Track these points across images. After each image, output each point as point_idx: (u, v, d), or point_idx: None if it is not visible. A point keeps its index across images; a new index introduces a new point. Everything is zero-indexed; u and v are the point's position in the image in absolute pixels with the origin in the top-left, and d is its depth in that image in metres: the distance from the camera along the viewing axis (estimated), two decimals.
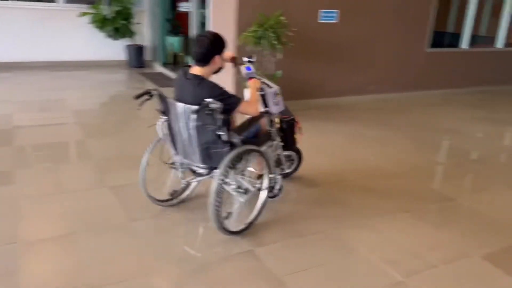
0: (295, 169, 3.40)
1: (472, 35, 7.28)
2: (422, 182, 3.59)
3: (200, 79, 2.44)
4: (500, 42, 7.55)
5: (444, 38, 8.39)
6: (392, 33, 6.16)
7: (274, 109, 2.84)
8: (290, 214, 2.91)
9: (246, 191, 2.54)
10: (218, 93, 2.40)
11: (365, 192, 3.31)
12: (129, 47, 7.67)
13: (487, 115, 5.97)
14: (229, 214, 2.52)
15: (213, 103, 2.28)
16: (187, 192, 2.98)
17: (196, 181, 2.83)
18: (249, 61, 2.84)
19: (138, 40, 7.73)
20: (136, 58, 7.75)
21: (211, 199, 2.35)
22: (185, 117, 2.42)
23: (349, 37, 5.78)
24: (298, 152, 3.34)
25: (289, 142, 3.12)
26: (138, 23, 7.57)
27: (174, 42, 8.21)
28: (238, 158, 2.48)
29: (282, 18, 4.71)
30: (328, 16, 5.53)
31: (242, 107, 2.48)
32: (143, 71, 7.63)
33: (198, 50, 2.43)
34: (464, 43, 7.19)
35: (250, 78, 2.70)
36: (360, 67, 6.07)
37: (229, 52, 2.74)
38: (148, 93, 2.52)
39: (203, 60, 2.45)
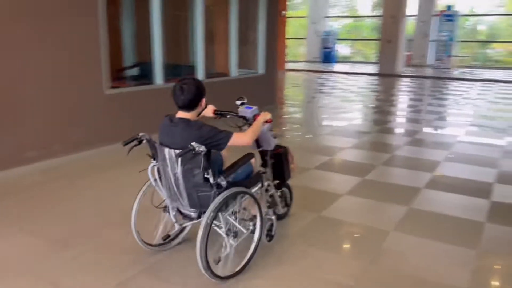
0: (288, 207, 3.45)
1: (174, 65, 6.28)
2: None
3: (187, 122, 2.54)
4: (200, 73, 6.76)
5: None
6: (52, 73, 4.55)
7: (273, 143, 3.03)
8: None
9: (236, 234, 2.63)
10: (207, 131, 2.49)
11: None
12: None
13: None
14: (219, 259, 2.56)
15: (198, 146, 2.36)
16: (182, 235, 3.01)
17: (188, 224, 2.82)
18: (242, 103, 3.09)
19: None
20: None
21: (198, 244, 2.39)
22: (171, 161, 2.50)
23: None
24: (289, 189, 3.40)
25: (286, 174, 3.22)
26: None
27: None
28: (227, 201, 2.55)
29: None
30: None
31: (233, 139, 2.54)
32: None
33: (185, 97, 2.52)
34: (158, 78, 6.02)
35: (256, 115, 2.96)
36: (3, 126, 4.07)
37: (210, 106, 3.08)
38: (136, 139, 2.61)
39: (190, 106, 2.56)
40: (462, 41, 20.94)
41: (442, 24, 19.27)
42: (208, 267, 2.44)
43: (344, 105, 9.77)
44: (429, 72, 17.95)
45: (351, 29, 24.37)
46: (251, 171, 2.89)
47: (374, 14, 23.27)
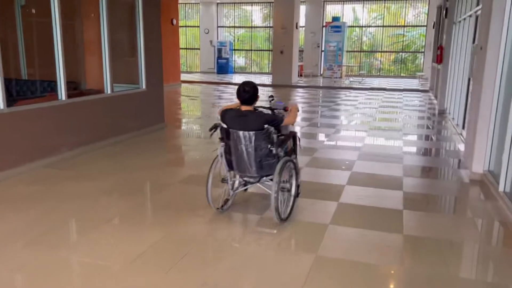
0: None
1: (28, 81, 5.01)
2: None
3: (253, 112, 3.63)
4: (60, 91, 5.55)
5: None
6: None
7: (289, 128, 4.02)
8: None
9: (288, 190, 3.74)
10: (269, 116, 3.63)
11: None
12: None
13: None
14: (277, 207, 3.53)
15: (269, 127, 3.46)
16: (231, 201, 3.95)
17: (244, 188, 3.96)
18: (272, 100, 4.21)
19: None
20: None
21: (273, 196, 3.41)
22: (245, 140, 3.49)
23: None
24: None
25: (296, 151, 4.10)
26: None
27: None
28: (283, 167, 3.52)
29: None
30: None
31: (284, 121, 3.69)
32: None
33: (248, 95, 3.59)
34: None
35: (286, 106, 4.05)
36: None
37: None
38: (216, 126, 3.64)
39: (251, 101, 3.63)
40: (349, 51, 21.99)
41: (331, 35, 20.00)
42: (277, 212, 3.50)
43: None
44: (321, 81, 18.39)
45: (246, 39, 24.26)
46: (287, 147, 3.84)
47: (266, 24, 23.43)
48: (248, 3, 22.95)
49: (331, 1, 21.44)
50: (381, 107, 11.21)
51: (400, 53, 22.02)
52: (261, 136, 3.45)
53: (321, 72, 21.18)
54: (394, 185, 4.76)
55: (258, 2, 22.55)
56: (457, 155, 6.28)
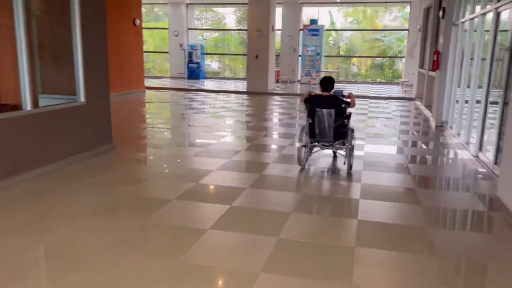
0: None
1: None
2: None
3: (332, 96, 5.39)
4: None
5: None
6: None
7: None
8: None
9: (351, 150, 5.28)
10: (342, 100, 5.30)
11: None
12: None
13: None
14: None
15: (345, 106, 5.26)
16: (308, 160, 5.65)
17: (322, 148, 5.60)
18: (334, 91, 5.54)
19: None
20: None
21: (348, 152, 5.21)
22: (328, 115, 5.12)
23: None
24: None
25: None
26: None
27: None
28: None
29: None
30: None
31: (351, 103, 5.33)
32: None
33: (329, 85, 5.40)
34: None
35: (343, 94, 5.71)
36: None
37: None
38: (307, 106, 5.37)
39: (330, 89, 5.41)
40: (326, 56, 20.84)
41: (308, 38, 18.77)
42: (350, 165, 5.27)
43: (205, 135, 7.70)
44: (299, 88, 17.10)
45: (218, 42, 22.78)
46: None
47: (240, 27, 22.02)
48: (220, 4, 21.49)
49: (308, 3, 20.23)
50: (370, 118, 9.95)
51: (378, 59, 21.01)
52: (338, 112, 5.16)
53: (299, 78, 19.93)
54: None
55: (231, 4, 21.11)
56: (484, 188, 5.00)
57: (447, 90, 8.67)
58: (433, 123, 9.13)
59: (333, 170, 5.63)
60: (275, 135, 8.13)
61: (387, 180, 5.21)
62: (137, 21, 14.12)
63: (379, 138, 7.90)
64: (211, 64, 23.37)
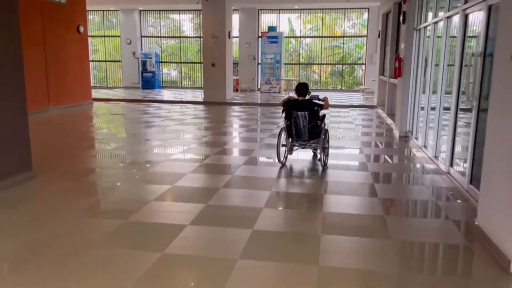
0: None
1: None
2: None
3: (308, 100, 5.94)
4: None
5: None
6: None
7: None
8: None
9: (325, 150, 5.92)
10: (315, 103, 5.89)
11: None
12: None
13: None
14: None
15: (318, 108, 5.86)
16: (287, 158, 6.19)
17: (299, 148, 6.23)
18: (310, 94, 6.14)
19: None
20: None
21: (321, 149, 5.84)
22: (302, 117, 5.71)
23: None
24: None
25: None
26: None
27: None
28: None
29: None
30: None
31: (324, 106, 5.96)
32: None
33: (303, 91, 5.96)
34: None
35: (321, 98, 6.22)
36: None
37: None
38: (283, 110, 5.97)
39: (306, 94, 5.98)
40: (286, 64, 20.37)
41: (267, 46, 18.21)
42: (322, 160, 5.88)
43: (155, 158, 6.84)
44: (259, 97, 16.47)
45: (175, 50, 21.83)
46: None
47: (197, 34, 21.20)
48: (174, 11, 20.60)
49: (266, 9, 19.71)
50: (331, 128, 9.40)
51: (338, 66, 20.75)
52: (311, 114, 5.82)
53: (259, 87, 19.32)
54: None
55: (186, 10, 20.28)
56: (459, 214, 4.45)
57: (410, 98, 8.23)
58: (396, 133, 8.66)
59: (311, 167, 6.18)
60: (231, 152, 7.36)
61: (351, 205, 4.56)
62: (81, 29, 13.03)
63: (341, 149, 7.30)
64: (170, 73, 22.39)
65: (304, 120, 5.73)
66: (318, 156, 5.96)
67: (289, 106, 5.89)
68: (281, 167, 5.92)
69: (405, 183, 5.64)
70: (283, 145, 5.98)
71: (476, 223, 3.78)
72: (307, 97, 6.03)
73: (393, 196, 4.94)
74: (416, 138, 7.69)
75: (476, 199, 4.22)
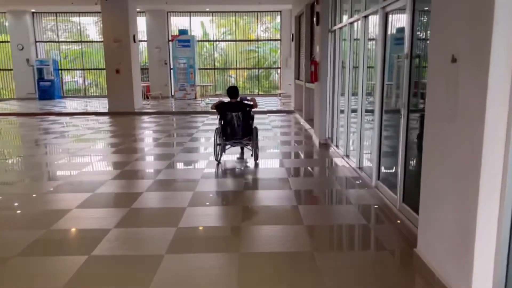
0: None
1: None
2: None
3: (239, 101, 6.51)
4: None
5: None
6: None
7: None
8: None
9: (257, 144, 6.63)
10: (247, 104, 6.48)
11: None
12: None
13: None
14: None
15: (249, 108, 6.45)
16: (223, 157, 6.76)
17: (233, 146, 6.72)
18: (240, 98, 6.69)
19: None
20: None
21: (254, 147, 6.50)
22: (236, 117, 6.29)
23: None
24: None
25: None
26: None
27: None
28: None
29: None
30: None
31: (254, 106, 6.54)
32: None
33: (234, 93, 6.52)
34: None
35: (249, 99, 6.77)
36: None
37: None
38: (218, 112, 6.50)
39: (237, 96, 6.55)
40: (201, 69, 19.48)
41: (179, 50, 17.16)
42: (256, 155, 6.54)
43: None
44: (173, 105, 15.37)
45: (79, 56, 19.79)
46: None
47: (102, 39, 19.43)
48: (74, 13, 18.66)
49: (175, 11, 18.63)
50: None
51: (254, 70, 20.32)
52: (244, 114, 6.37)
53: (173, 93, 18.18)
54: None
55: (86, 12, 18.45)
56: (394, 240, 3.91)
57: (328, 103, 7.80)
58: (316, 141, 8.20)
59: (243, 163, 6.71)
60: (133, 176, 6.28)
61: (274, 242, 3.82)
62: None
63: (262, 162, 6.60)
64: (76, 80, 20.27)
65: (238, 120, 6.34)
66: (250, 151, 6.65)
67: (223, 108, 6.43)
68: (217, 165, 6.48)
69: (329, 203, 5.06)
70: (218, 144, 6.47)
71: (415, 251, 3.23)
72: (240, 98, 6.66)
73: (320, 222, 4.28)
74: (337, 146, 7.26)
75: (412, 220, 3.70)
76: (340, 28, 6.98)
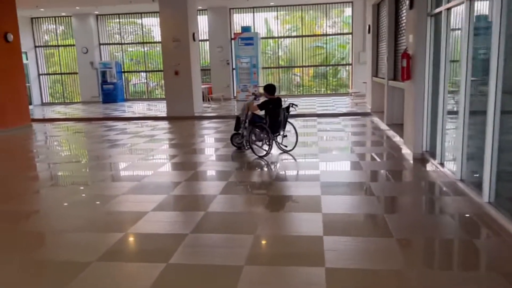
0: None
1: None
2: None
3: (278, 98, 6.89)
4: None
5: None
6: None
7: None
8: None
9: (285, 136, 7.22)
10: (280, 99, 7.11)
11: None
12: None
13: None
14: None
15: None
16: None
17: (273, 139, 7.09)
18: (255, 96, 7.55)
19: None
20: None
21: (274, 143, 6.94)
22: (283, 111, 6.80)
23: None
24: None
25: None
26: None
27: None
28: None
29: None
30: None
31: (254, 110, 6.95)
32: None
33: (273, 90, 6.82)
34: None
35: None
36: None
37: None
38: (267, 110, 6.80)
39: (275, 92, 6.85)
40: (265, 68, 18.27)
41: (241, 48, 16.07)
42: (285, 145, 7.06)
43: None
44: (236, 107, 14.27)
45: (142, 58, 19.43)
46: None
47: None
48: (135, 14, 18.25)
49: (238, 8, 17.56)
50: (322, 151, 7.25)
51: (321, 67, 18.69)
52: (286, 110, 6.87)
53: (235, 95, 17.15)
54: None
55: (148, 12, 17.95)
56: None
57: (426, 107, 6.15)
58: (408, 155, 6.54)
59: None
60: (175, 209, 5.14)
61: None
62: (10, 36, 10.65)
63: (335, 191, 5.14)
64: (141, 83, 19.96)
65: (285, 114, 6.76)
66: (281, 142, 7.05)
67: (271, 105, 6.65)
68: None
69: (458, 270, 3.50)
70: (254, 142, 6.79)
71: None
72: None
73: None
74: (442, 164, 5.59)
75: None
76: (448, 9, 5.31)
